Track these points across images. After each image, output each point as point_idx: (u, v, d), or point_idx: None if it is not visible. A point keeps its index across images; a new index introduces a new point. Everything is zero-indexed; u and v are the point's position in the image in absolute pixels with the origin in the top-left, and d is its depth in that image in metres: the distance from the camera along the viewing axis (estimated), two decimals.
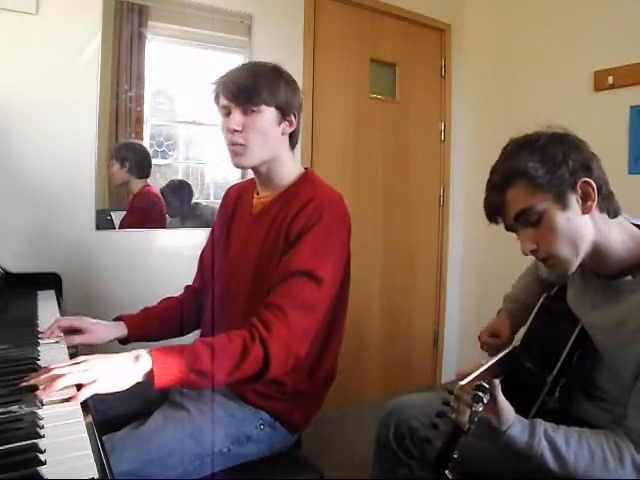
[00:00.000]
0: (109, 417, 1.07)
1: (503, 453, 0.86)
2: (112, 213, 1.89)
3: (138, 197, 1.94)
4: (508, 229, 0.95)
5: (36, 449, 0.58)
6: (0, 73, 1.60)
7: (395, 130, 2.60)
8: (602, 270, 0.94)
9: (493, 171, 0.94)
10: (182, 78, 2.01)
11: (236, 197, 1.28)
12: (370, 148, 2.52)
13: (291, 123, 1.11)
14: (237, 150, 1.07)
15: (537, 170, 0.86)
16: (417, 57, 2.65)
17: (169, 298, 1.31)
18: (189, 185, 2.07)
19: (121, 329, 1.17)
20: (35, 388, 0.73)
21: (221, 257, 1.23)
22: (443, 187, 2.79)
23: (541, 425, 0.84)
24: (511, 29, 2.54)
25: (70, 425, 0.65)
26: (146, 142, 1.96)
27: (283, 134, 1.11)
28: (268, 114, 1.06)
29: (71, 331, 1.08)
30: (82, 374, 0.75)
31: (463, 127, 2.80)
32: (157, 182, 2.01)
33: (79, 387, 0.74)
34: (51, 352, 0.95)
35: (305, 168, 1.20)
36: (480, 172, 2.87)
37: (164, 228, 2.01)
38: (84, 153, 1.77)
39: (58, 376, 0.73)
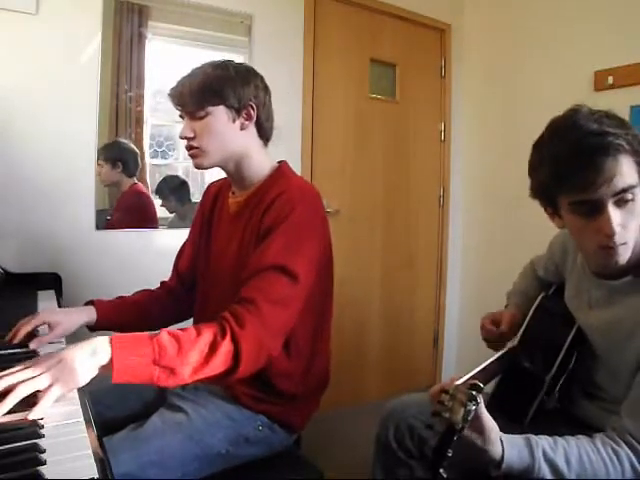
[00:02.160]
0: (107, 419, 1.06)
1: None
2: (113, 212, 1.89)
3: (126, 196, 1.93)
4: (584, 203, 0.84)
5: (36, 449, 0.58)
6: (0, 73, 1.60)
7: (395, 130, 2.60)
8: (610, 269, 0.92)
9: (587, 134, 0.82)
10: None
11: (215, 195, 1.25)
12: (370, 148, 2.52)
13: (249, 116, 1.07)
14: (194, 153, 1.07)
15: (638, 150, 0.82)
16: (417, 57, 2.65)
17: (144, 291, 1.29)
18: (185, 181, 2.07)
19: (89, 314, 1.11)
20: None
21: (203, 259, 1.21)
22: (443, 187, 2.79)
23: (538, 446, 0.80)
24: (511, 29, 2.54)
25: (70, 425, 0.65)
26: (146, 142, 1.96)
27: (243, 129, 1.07)
28: (217, 115, 1.04)
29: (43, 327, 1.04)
30: (35, 381, 0.69)
31: (463, 127, 2.80)
32: (156, 182, 2.01)
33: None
34: (51, 351, 0.94)
35: (279, 162, 1.16)
36: (480, 172, 2.86)
37: (155, 225, 2.00)
38: (84, 153, 1.77)
39: (7, 390, 0.67)
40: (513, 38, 2.53)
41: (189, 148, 1.07)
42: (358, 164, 2.49)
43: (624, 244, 0.84)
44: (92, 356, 0.75)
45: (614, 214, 0.82)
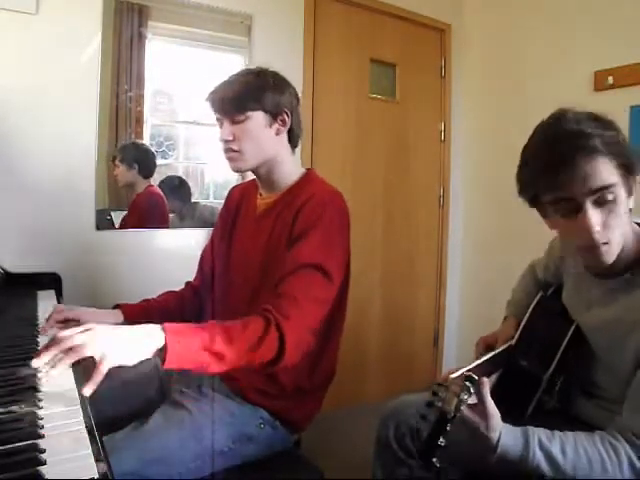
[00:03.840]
0: (109, 417, 1.06)
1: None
2: (112, 213, 1.89)
3: (141, 197, 1.94)
4: (560, 201, 0.86)
5: (36, 449, 0.58)
6: (0, 73, 1.60)
7: (395, 130, 2.60)
8: (606, 267, 0.92)
9: (564, 134, 0.84)
10: (182, 78, 2.01)
11: (239, 198, 1.29)
12: (370, 148, 2.52)
13: (284, 122, 1.13)
14: (232, 156, 1.12)
15: (620, 151, 0.83)
16: (417, 57, 2.65)
17: (170, 292, 1.32)
18: (185, 181, 2.07)
19: (116, 316, 1.17)
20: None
21: (223, 258, 1.24)
22: (443, 187, 2.78)
23: (534, 435, 0.81)
24: (511, 29, 2.54)
25: (70, 425, 0.65)
26: (146, 142, 1.96)
27: (278, 134, 1.13)
28: (256, 119, 1.09)
29: (67, 322, 1.08)
30: (92, 345, 0.73)
31: (463, 127, 2.80)
32: (157, 182, 2.01)
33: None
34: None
35: (307, 169, 1.21)
36: (480, 172, 2.86)
37: (166, 226, 2.01)
38: (84, 153, 1.77)
39: (71, 348, 0.71)
40: (513, 38, 2.53)
41: (227, 151, 1.12)
42: (358, 164, 2.49)
43: (606, 243, 0.85)
44: (146, 339, 0.78)
45: (593, 213, 0.83)
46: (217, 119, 1.13)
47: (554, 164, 0.84)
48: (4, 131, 1.62)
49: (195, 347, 0.81)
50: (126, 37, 1.85)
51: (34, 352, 0.92)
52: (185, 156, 2.09)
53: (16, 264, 1.51)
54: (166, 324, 0.81)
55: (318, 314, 0.99)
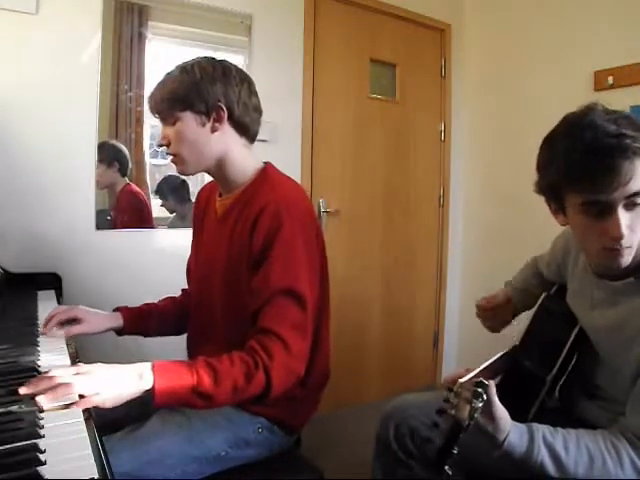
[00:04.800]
0: (108, 419, 1.05)
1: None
2: (112, 213, 1.89)
3: (122, 196, 1.93)
4: (594, 204, 0.83)
5: (36, 449, 0.58)
6: (0, 73, 1.60)
7: (395, 130, 2.60)
8: (613, 269, 0.92)
9: (604, 136, 0.80)
10: None
11: (207, 197, 1.24)
12: (370, 148, 2.52)
13: (219, 118, 1.03)
14: (174, 161, 1.08)
15: None
16: (417, 57, 2.65)
17: (170, 297, 1.32)
18: (185, 181, 2.06)
19: (116, 320, 1.17)
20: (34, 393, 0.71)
21: (195, 263, 1.23)
22: (443, 187, 2.79)
23: (539, 431, 0.82)
24: (511, 29, 2.54)
25: (70, 425, 0.65)
26: (146, 142, 1.95)
27: (215, 132, 1.04)
28: (186, 121, 1.02)
29: (68, 321, 1.09)
30: (85, 385, 0.74)
31: (463, 127, 2.80)
32: (156, 182, 2.01)
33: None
34: (51, 351, 0.95)
35: (265, 162, 1.13)
36: (480, 172, 2.85)
37: (152, 225, 2.00)
38: (84, 153, 1.77)
39: (61, 385, 0.72)
40: (513, 38, 2.53)
41: (170, 155, 1.08)
42: (358, 164, 2.49)
43: (629, 247, 0.84)
44: (137, 381, 0.80)
45: (623, 217, 0.82)
46: None
47: (597, 166, 0.80)
48: (4, 131, 1.62)
49: (182, 389, 0.83)
50: (126, 37, 1.85)
51: (33, 352, 0.93)
52: None
53: (16, 264, 1.51)
54: (156, 363, 0.83)
55: (302, 342, 0.97)
